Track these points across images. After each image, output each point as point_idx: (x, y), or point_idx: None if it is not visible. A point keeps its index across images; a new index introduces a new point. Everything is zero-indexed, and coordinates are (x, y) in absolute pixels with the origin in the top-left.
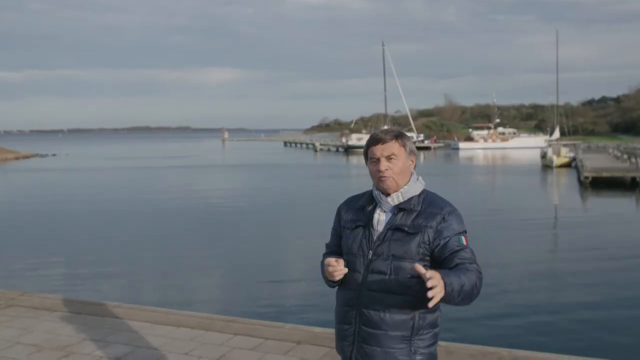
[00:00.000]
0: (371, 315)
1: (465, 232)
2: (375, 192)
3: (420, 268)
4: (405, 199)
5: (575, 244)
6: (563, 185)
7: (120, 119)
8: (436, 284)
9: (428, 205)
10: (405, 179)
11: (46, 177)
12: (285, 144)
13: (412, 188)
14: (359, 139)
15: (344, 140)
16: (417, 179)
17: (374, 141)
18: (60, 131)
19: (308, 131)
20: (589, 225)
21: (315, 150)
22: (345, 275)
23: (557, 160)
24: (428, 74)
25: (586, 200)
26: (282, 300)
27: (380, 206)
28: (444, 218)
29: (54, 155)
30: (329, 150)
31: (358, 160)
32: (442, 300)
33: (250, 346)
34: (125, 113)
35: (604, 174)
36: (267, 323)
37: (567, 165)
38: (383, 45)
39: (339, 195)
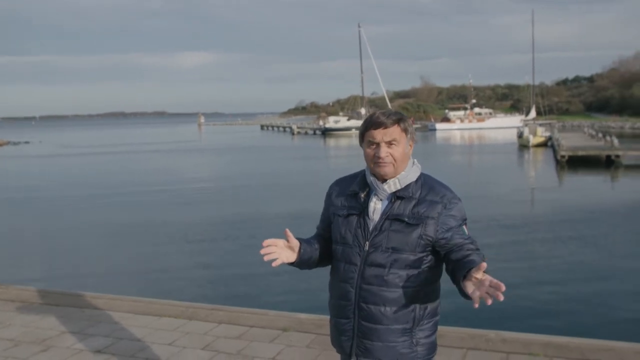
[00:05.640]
0: (371, 310)
1: (465, 220)
2: (371, 179)
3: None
4: (403, 185)
5: (554, 223)
6: (540, 165)
7: (94, 104)
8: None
9: (428, 192)
10: (405, 164)
11: (20, 164)
12: (262, 127)
13: (410, 174)
14: (336, 121)
15: (321, 123)
16: (414, 163)
17: (374, 124)
18: (33, 118)
19: (285, 114)
20: (568, 203)
21: (293, 134)
22: (341, 266)
23: (533, 140)
24: (404, 55)
25: (563, 179)
26: (265, 287)
27: (375, 193)
28: (445, 207)
29: (27, 142)
30: (306, 133)
31: (335, 142)
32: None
33: (235, 335)
34: (99, 99)
35: (580, 153)
36: (251, 310)
37: (544, 144)
38: (359, 27)
39: (320, 177)
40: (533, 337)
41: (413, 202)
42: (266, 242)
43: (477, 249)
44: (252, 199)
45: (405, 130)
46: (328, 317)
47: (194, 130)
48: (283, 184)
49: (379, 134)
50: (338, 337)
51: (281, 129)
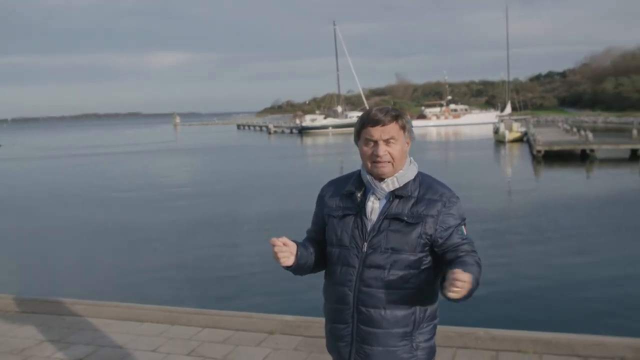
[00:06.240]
0: (370, 314)
1: (465, 219)
2: (367, 177)
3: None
4: (401, 184)
5: (534, 218)
6: (517, 160)
7: (67, 106)
8: (463, 285)
9: (426, 190)
10: (403, 162)
11: None
12: (238, 127)
13: (408, 172)
14: (313, 120)
15: (297, 121)
16: (411, 162)
17: (372, 122)
18: (5, 121)
19: (261, 113)
20: (546, 197)
21: (269, 133)
22: (337, 269)
23: (509, 135)
24: (380, 53)
25: (540, 174)
26: (247, 289)
27: (373, 192)
28: (444, 205)
29: None
30: (282, 132)
31: (312, 141)
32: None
33: (220, 339)
34: (72, 100)
35: (556, 148)
36: (235, 313)
37: (519, 139)
38: (334, 25)
39: (298, 177)
40: (522, 333)
41: (412, 201)
42: (277, 241)
43: (474, 251)
44: (231, 199)
45: (403, 128)
46: (315, 319)
47: (170, 130)
48: (261, 184)
49: (376, 132)
50: (335, 344)
51: (258, 128)
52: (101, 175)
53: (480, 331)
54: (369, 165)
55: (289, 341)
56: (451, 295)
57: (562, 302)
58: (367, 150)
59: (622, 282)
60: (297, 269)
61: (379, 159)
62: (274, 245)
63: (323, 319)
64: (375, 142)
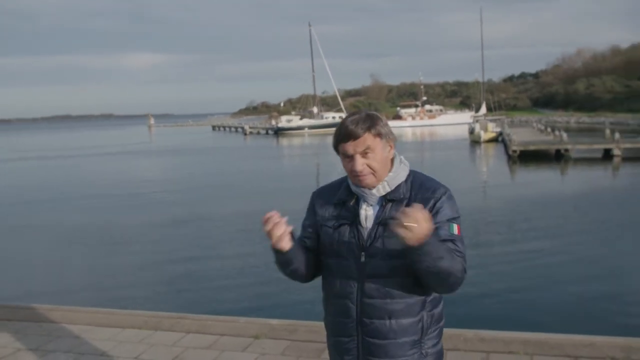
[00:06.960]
0: (375, 325)
1: (457, 218)
2: (354, 187)
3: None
4: (392, 187)
5: (513, 217)
6: (492, 160)
7: (38, 108)
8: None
9: (418, 189)
10: (387, 169)
11: None
12: (214, 128)
13: (398, 174)
14: (289, 120)
15: (273, 122)
16: (401, 162)
17: (344, 137)
18: None
19: (236, 114)
20: (523, 197)
21: (245, 134)
22: (337, 282)
23: (484, 136)
24: (355, 54)
25: (515, 173)
26: (231, 292)
27: (364, 199)
28: (436, 202)
29: None
30: (258, 133)
31: (289, 142)
32: (416, 253)
33: (204, 344)
34: (43, 101)
35: (531, 148)
36: (219, 318)
37: (495, 140)
38: (310, 26)
39: (276, 178)
40: (512, 334)
41: (404, 203)
42: (275, 215)
43: (458, 250)
44: (210, 201)
45: (378, 135)
46: (301, 322)
47: (144, 132)
48: (239, 186)
49: (350, 147)
50: (340, 358)
51: (233, 129)
52: (77, 177)
53: (469, 332)
54: (352, 179)
55: (276, 345)
56: (402, 233)
57: (545, 302)
58: (347, 165)
59: (605, 280)
60: (292, 259)
61: (358, 174)
62: (268, 220)
63: (309, 322)
64: (352, 157)
